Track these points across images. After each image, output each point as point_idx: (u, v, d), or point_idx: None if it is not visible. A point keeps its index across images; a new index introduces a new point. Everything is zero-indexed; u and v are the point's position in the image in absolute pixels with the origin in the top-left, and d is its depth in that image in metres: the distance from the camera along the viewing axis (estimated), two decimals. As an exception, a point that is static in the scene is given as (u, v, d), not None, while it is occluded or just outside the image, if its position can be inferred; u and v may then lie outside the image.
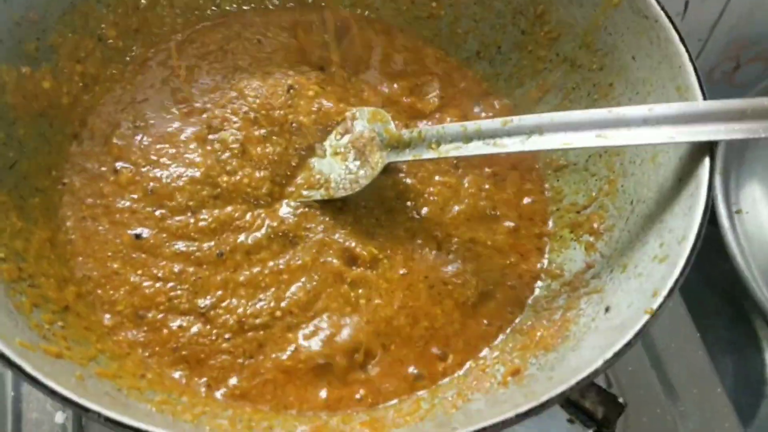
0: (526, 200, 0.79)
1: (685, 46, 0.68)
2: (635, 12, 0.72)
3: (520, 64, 0.84)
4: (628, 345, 0.54)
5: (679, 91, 0.67)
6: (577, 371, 0.53)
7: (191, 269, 0.69)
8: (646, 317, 0.55)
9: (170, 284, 0.69)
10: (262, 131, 0.77)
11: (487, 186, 0.79)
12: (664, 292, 0.56)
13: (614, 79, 0.75)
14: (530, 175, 0.80)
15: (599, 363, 0.53)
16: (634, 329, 0.54)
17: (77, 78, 0.77)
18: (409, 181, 0.78)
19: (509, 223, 0.77)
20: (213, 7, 0.86)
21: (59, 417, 0.77)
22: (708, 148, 0.62)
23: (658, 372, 0.85)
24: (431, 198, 0.77)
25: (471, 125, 0.70)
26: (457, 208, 0.77)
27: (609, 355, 0.53)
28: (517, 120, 0.67)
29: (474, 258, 0.74)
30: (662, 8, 0.70)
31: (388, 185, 0.77)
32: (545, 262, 0.75)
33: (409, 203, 0.76)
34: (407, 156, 0.73)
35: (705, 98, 0.65)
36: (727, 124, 0.61)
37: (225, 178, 0.74)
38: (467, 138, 0.70)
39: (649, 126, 0.62)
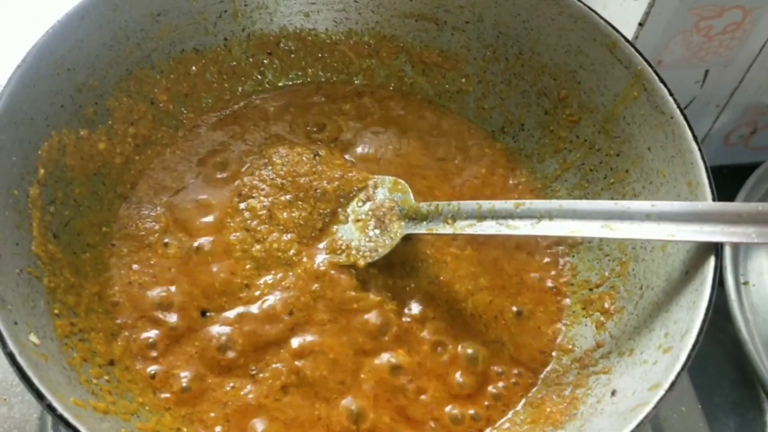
0: (540, 274, 0.83)
1: (697, 143, 0.72)
2: (653, 106, 0.76)
3: (542, 142, 0.89)
4: (629, 435, 0.58)
5: (690, 186, 0.71)
6: (582, 456, 0.58)
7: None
8: (647, 409, 0.59)
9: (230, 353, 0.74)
10: (288, 197, 0.82)
11: (502, 258, 0.84)
12: (666, 386, 0.60)
13: (630, 167, 0.80)
14: (547, 250, 0.85)
15: (601, 451, 0.57)
16: (635, 420, 0.58)
17: (130, 139, 0.83)
18: (428, 251, 0.82)
19: (526, 295, 0.82)
20: (257, 75, 0.92)
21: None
22: (714, 246, 0.67)
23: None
24: (447, 266, 0.81)
25: (486, 204, 0.75)
26: (472, 277, 0.81)
27: (611, 444, 0.58)
28: (528, 203, 0.72)
29: (489, 328, 0.79)
30: (678, 106, 0.74)
31: (410, 251, 0.82)
32: (561, 336, 0.80)
33: (429, 270, 0.81)
34: (422, 229, 0.78)
35: (714, 196, 0.69)
36: (725, 226, 0.65)
37: (257, 247, 0.79)
38: (481, 216, 0.75)
39: (651, 221, 0.67)
